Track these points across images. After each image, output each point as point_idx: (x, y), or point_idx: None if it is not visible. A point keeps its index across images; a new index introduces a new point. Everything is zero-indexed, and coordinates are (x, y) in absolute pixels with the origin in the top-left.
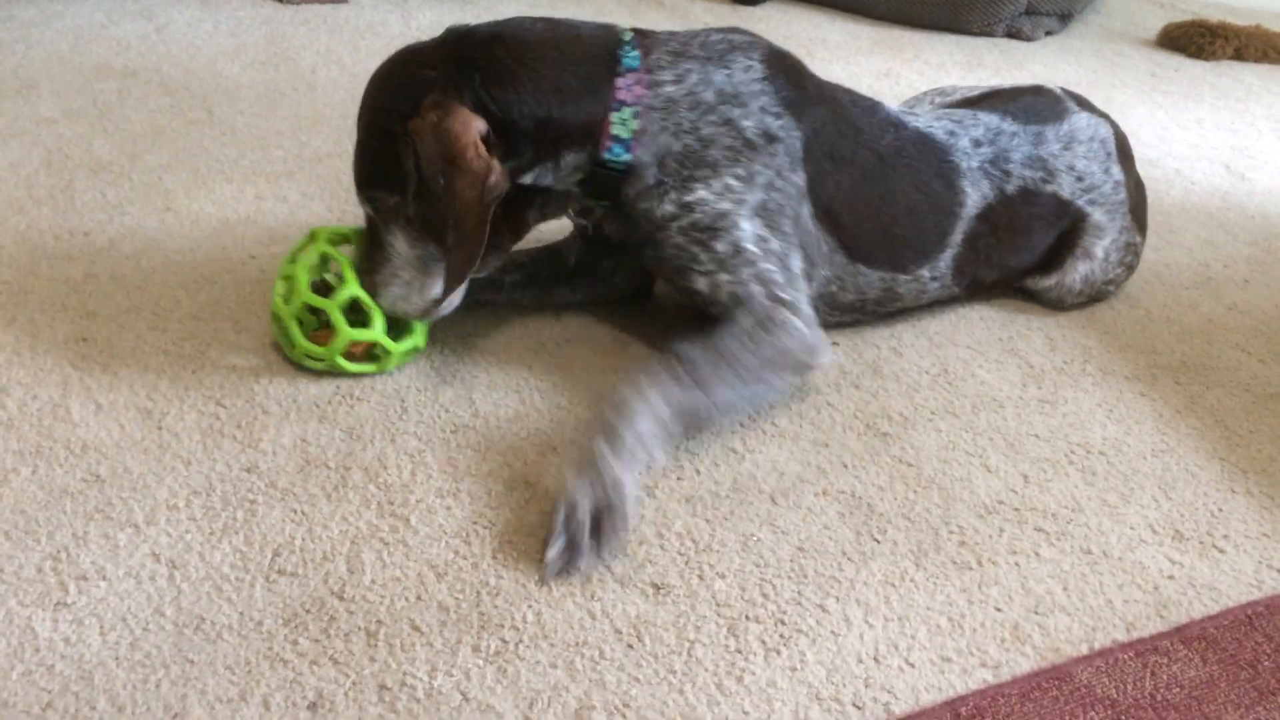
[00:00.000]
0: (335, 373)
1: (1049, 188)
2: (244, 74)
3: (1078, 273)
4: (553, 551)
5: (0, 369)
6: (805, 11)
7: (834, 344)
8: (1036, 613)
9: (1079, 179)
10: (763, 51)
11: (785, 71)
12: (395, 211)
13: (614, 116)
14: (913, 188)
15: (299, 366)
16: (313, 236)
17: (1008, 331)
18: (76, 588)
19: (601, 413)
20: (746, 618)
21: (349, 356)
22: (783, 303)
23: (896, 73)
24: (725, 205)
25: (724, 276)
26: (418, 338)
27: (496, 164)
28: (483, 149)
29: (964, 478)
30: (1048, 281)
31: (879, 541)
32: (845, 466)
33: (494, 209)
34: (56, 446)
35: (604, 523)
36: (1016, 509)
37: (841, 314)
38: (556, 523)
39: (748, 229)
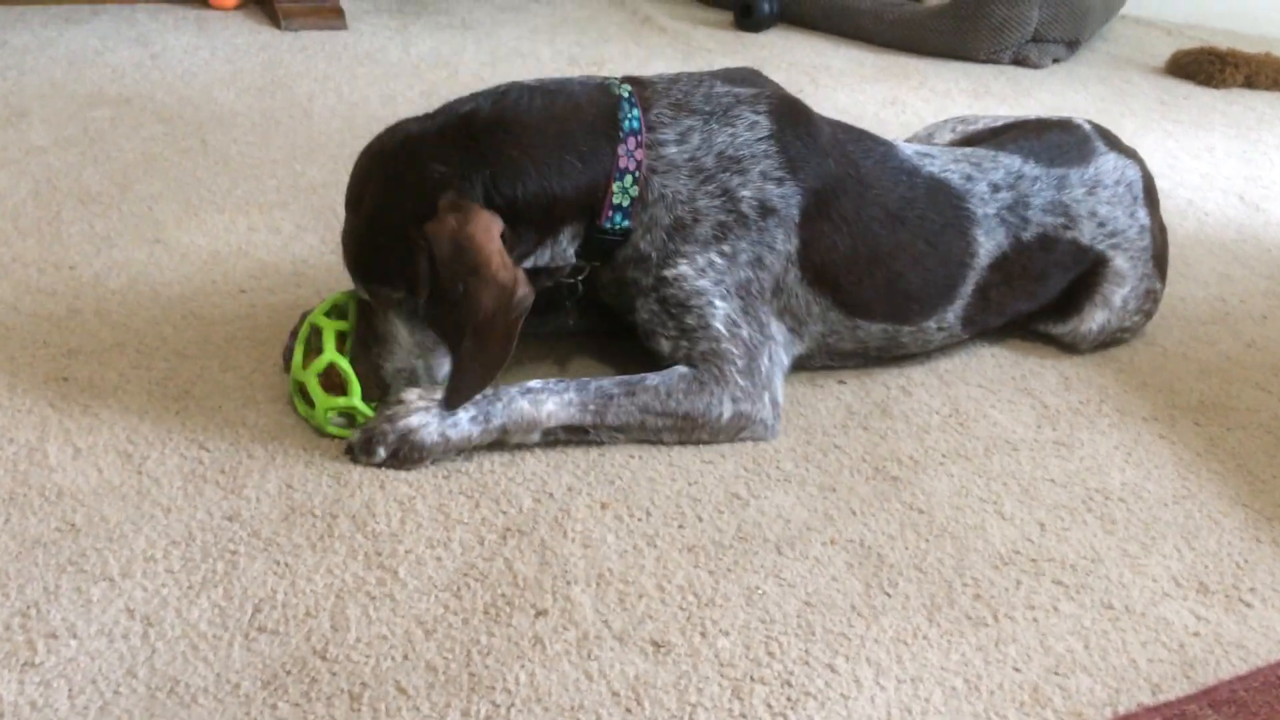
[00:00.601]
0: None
1: (1069, 234)
2: (239, 101)
3: (1095, 321)
4: (357, 435)
5: None
6: (809, 38)
7: (841, 382)
8: (1057, 673)
9: (1101, 224)
10: (770, 104)
11: (794, 125)
12: (398, 305)
13: (615, 186)
14: (922, 241)
15: (286, 408)
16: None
17: (1020, 370)
18: (46, 647)
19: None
20: (751, 679)
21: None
22: (724, 380)
23: (902, 100)
24: (704, 283)
25: (684, 343)
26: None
27: (521, 274)
28: (508, 258)
29: (977, 526)
30: (1063, 328)
31: (890, 595)
32: (854, 513)
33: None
34: (31, 493)
35: (402, 449)
36: (1033, 560)
37: (843, 360)
38: (379, 413)
39: (721, 309)
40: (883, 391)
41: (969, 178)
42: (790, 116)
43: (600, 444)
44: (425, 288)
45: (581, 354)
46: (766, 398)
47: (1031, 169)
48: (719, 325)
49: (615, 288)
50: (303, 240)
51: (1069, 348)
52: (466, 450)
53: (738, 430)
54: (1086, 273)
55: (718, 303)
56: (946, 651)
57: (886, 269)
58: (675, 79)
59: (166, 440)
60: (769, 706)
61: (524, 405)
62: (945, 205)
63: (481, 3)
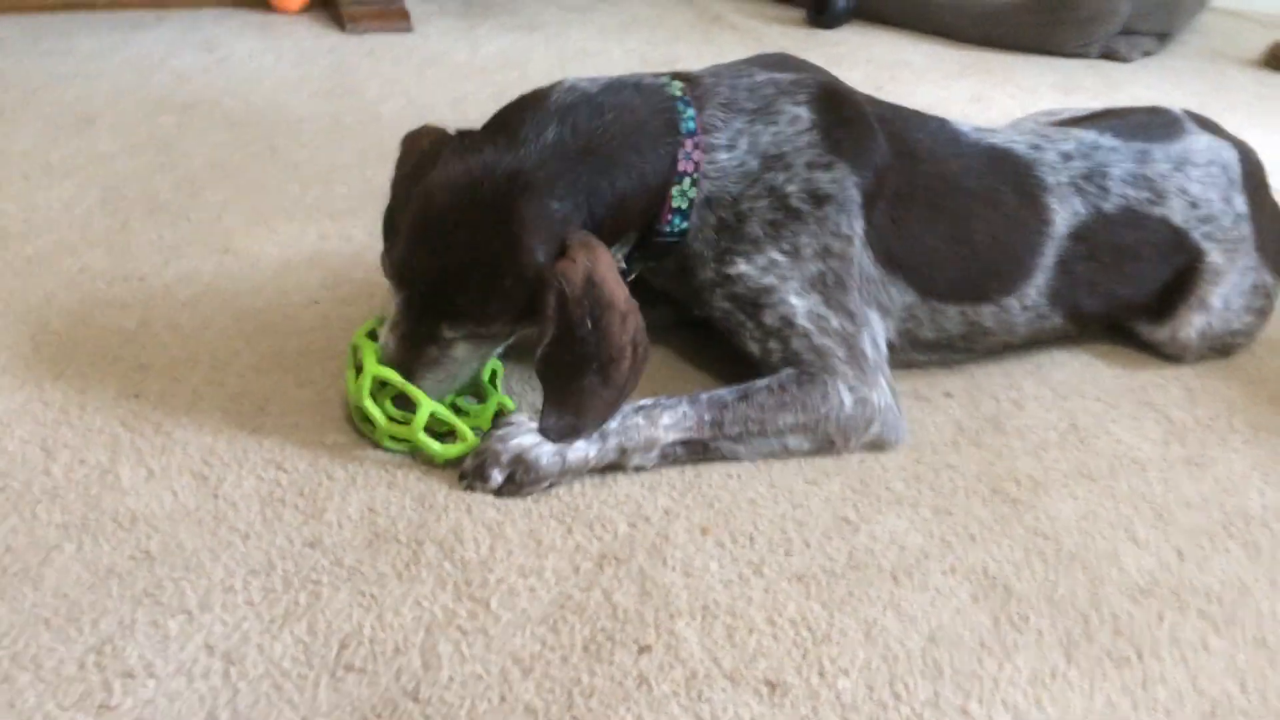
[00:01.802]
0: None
1: (1157, 210)
2: (307, 106)
3: (1193, 326)
4: (468, 461)
5: (47, 429)
6: (886, 34)
7: (948, 395)
8: (1214, 718)
9: (1193, 205)
10: (810, 92)
11: (835, 110)
12: (477, 339)
13: (675, 189)
14: (989, 208)
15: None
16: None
17: (1138, 381)
18: (121, 687)
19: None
20: None
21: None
22: (835, 371)
23: (987, 97)
24: (770, 280)
25: (774, 344)
26: (465, 444)
27: (635, 302)
28: (625, 289)
29: (1110, 553)
30: (1161, 333)
31: (1021, 630)
32: (973, 539)
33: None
34: (104, 518)
35: (518, 471)
36: (1174, 590)
37: (927, 352)
38: (489, 437)
39: (799, 305)
40: (993, 405)
41: (1035, 147)
42: (830, 101)
43: (721, 459)
44: (551, 327)
45: (659, 357)
46: (883, 381)
47: (1108, 141)
48: (803, 321)
49: (676, 284)
50: (375, 249)
51: (1174, 358)
52: (583, 473)
53: (867, 423)
54: (1182, 272)
55: (793, 300)
56: (1089, 694)
57: (955, 242)
58: (718, 73)
59: (243, 461)
60: None
61: (640, 422)
62: (1010, 173)
63: (548, 4)
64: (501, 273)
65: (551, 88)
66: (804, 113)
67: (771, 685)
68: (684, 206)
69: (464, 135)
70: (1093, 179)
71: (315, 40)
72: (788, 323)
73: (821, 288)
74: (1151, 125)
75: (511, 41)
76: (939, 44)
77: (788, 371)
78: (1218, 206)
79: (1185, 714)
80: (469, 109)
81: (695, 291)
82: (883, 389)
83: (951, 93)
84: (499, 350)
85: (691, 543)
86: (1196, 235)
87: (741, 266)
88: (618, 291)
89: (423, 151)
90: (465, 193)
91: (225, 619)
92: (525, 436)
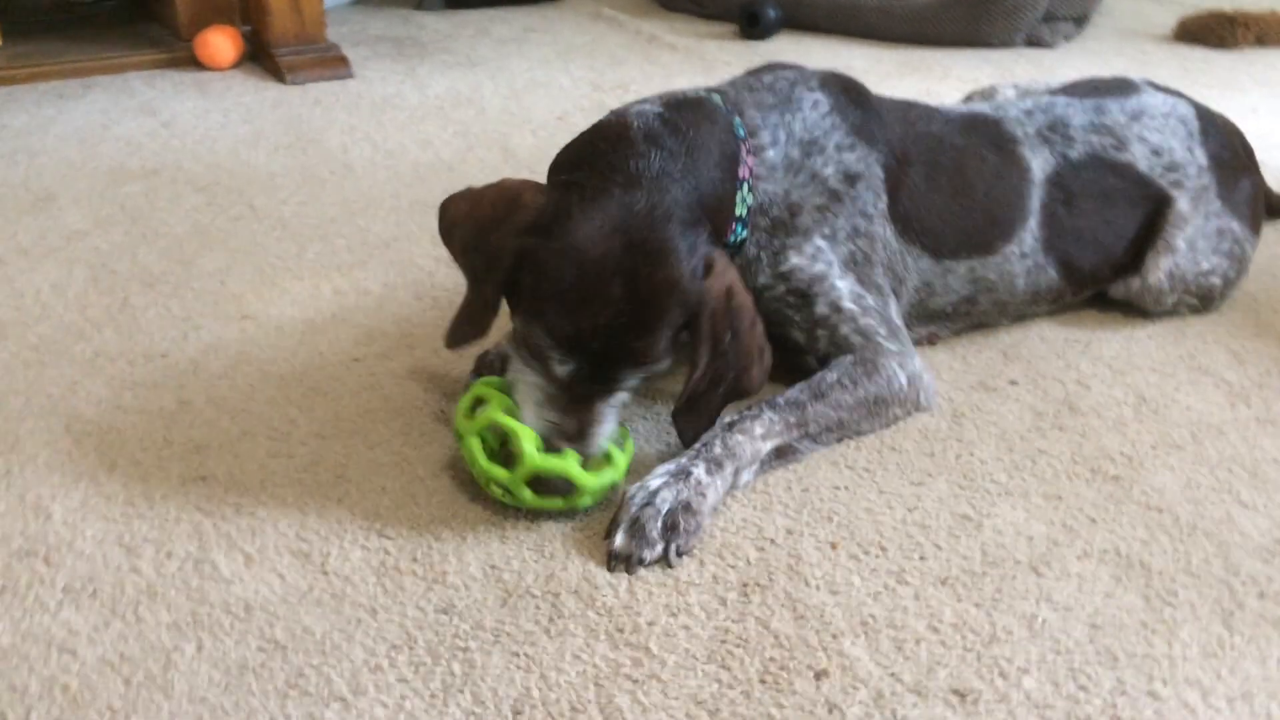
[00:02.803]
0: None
1: (1123, 156)
2: (272, 161)
3: (1161, 269)
4: (618, 538)
5: (120, 525)
6: (819, 41)
7: (1013, 383)
8: None
9: (1156, 153)
10: (818, 78)
11: (845, 92)
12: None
13: (737, 196)
14: (978, 162)
15: (453, 480)
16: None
17: (1183, 349)
18: None
19: (709, 433)
20: (1076, 718)
21: (535, 486)
22: (884, 351)
23: (935, 92)
24: (819, 268)
25: (821, 332)
26: (617, 470)
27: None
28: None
29: (1225, 518)
30: (1134, 283)
31: (1174, 606)
32: (1093, 521)
33: None
34: (216, 611)
35: (680, 519)
36: None
37: (931, 323)
38: (624, 513)
39: (844, 288)
40: (1059, 388)
41: (998, 109)
42: (839, 85)
43: (798, 457)
44: (708, 344)
45: None
46: (913, 350)
47: (1062, 99)
48: (849, 304)
49: None
50: (396, 299)
51: (1149, 309)
52: (718, 509)
53: (916, 395)
54: (1152, 218)
55: (839, 284)
56: (1262, 660)
57: (957, 196)
58: (734, 82)
59: (341, 532)
60: None
61: (740, 439)
62: (984, 131)
63: (479, 38)
64: (669, 306)
65: (620, 119)
66: (821, 97)
67: (960, 694)
68: (743, 214)
69: (572, 185)
70: (1056, 129)
71: (257, 94)
72: (835, 308)
73: (854, 267)
74: (1106, 86)
75: (457, 79)
76: (871, 46)
77: (846, 361)
78: (1180, 155)
79: None
80: (441, 150)
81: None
82: (916, 359)
83: (902, 90)
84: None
85: (826, 559)
86: (1163, 182)
87: (793, 260)
88: (748, 299)
89: (503, 215)
90: (617, 239)
91: (384, 700)
92: (662, 490)
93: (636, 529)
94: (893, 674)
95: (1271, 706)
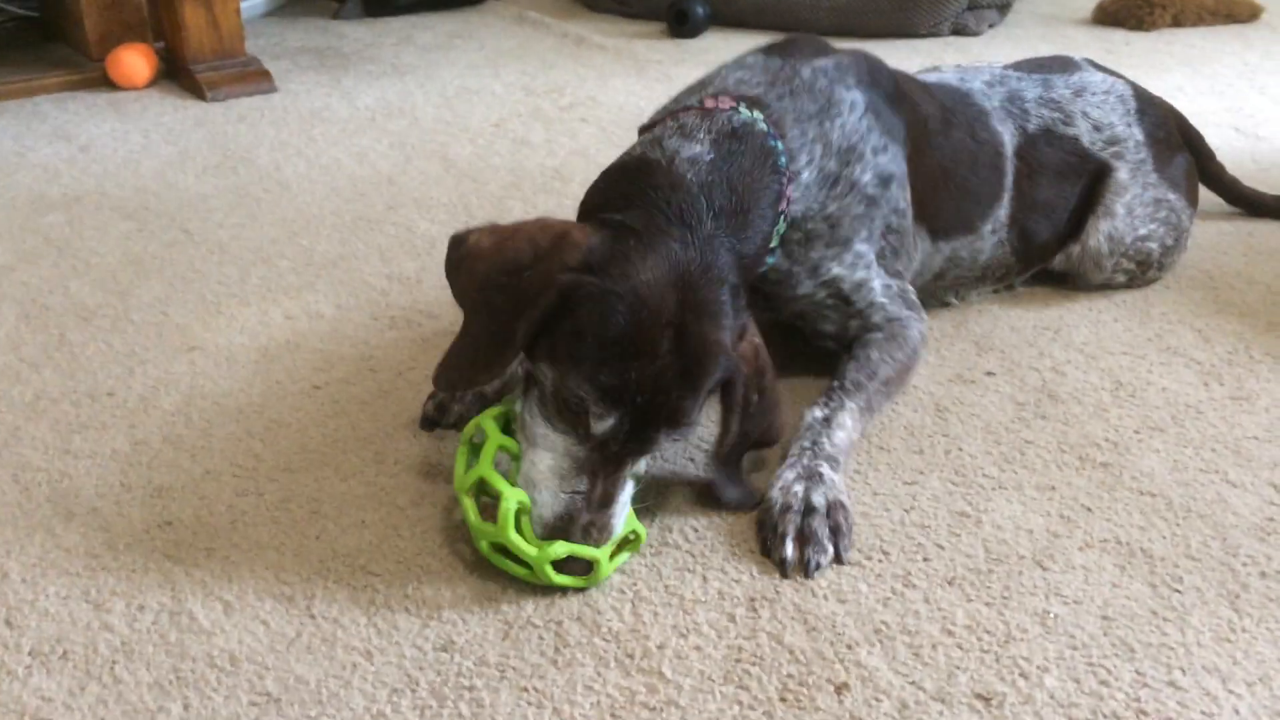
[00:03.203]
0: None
1: (1070, 131)
2: (202, 182)
3: (1100, 233)
4: (788, 549)
5: (84, 579)
6: (748, 37)
7: (989, 374)
8: None
9: (1097, 128)
10: (855, 74)
11: (877, 87)
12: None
13: (774, 230)
14: (968, 139)
15: (433, 510)
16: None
17: (1150, 330)
18: None
19: (806, 431)
20: (1103, 715)
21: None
22: (906, 322)
23: None
24: (860, 274)
25: (855, 323)
26: (635, 546)
27: None
28: None
29: (1217, 499)
30: (1074, 250)
31: (1181, 592)
32: (1089, 510)
33: None
34: (199, 666)
35: (840, 520)
36: None
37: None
38: (786, 522)
39: (878, 284)
40: (1036, 376)
41: (963, 79)
42: (871, 79)
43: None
44: (739, 408)
45: None
46: (921, 310)
47: (1014, 74)
48: (881, 298)
49: (762, 301)
50: (352, 321)
51: (1089, 277)
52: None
53: (924, 346)
54: (1093, 187)
55: (875, 283)
56: (1274, 642)
57: (952, 178)
58: (771, 82)
59: (324, 572)
60: None
61: (840, 436)
62: (967, 106)
63: (403, 45)
64: (714, 367)
65: (666, 160)
66: (857, 97)
67: (984, 698)
68: (776, 245)
69: (625, 229)
70: (1014, 102)
71: (177, 113)
72: (871, 304)
73: (884, 260)
74: (1049, 64)
75: (385, 88)
76: None
77: (879, 338)
78: (1120, 130)
79: None
80: (378, 162)
81: (784, 303)
82: (924, 315)
83: None
84: None
85: (830, 567)
86: (1106, 155)
87: (835, 269)
88: (768, 356)
89: (545, 250)
90: (673, 292)
91: None
92: (813, 495)
93: (807, 535)
94: (913, 682)
95: None
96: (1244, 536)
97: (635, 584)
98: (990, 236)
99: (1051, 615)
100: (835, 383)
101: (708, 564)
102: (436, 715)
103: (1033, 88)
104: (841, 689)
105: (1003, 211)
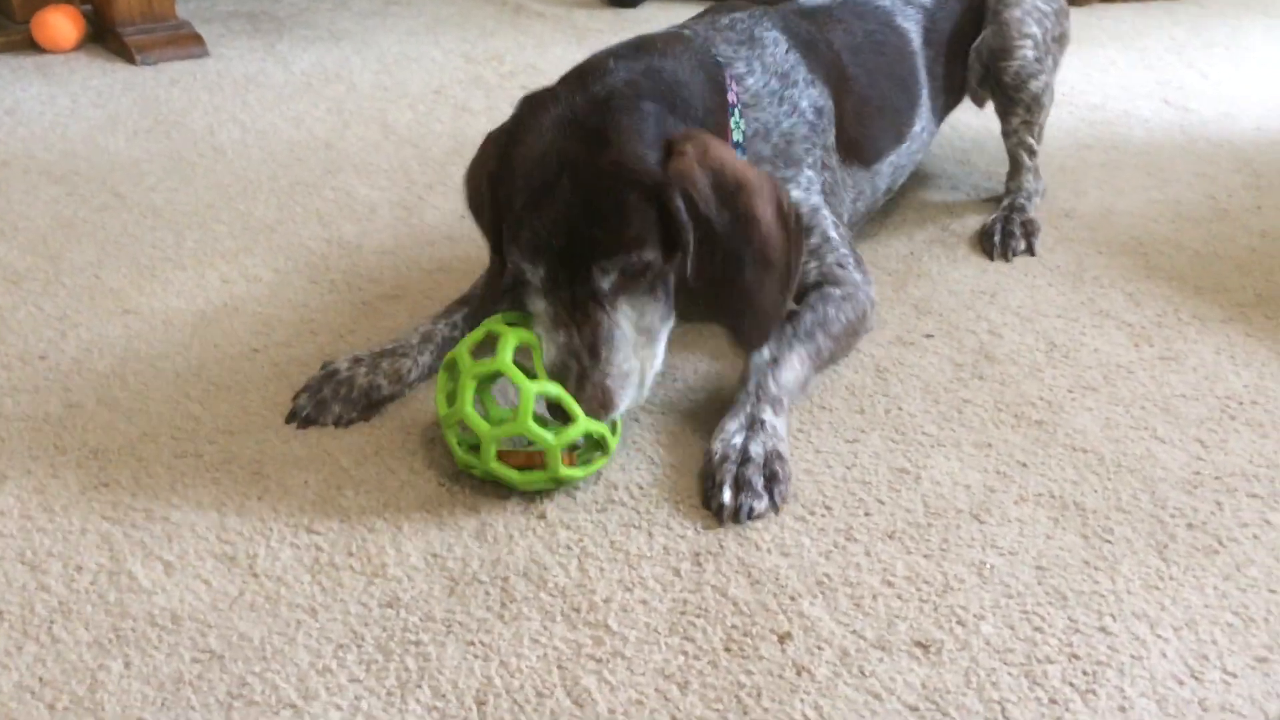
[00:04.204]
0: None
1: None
2: (134, 147)
3: (999, 20)
4: (725, 494)
5: (20, 540)
6: (686, 8)
7: (928, 336)
8: None
9: None
10: (770, 19)
11: (793, 27)
12: (637, 280)
13: (731, 121)
14: (878, 53)
15: (380, 468)
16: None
17: (1082, 294)
18: None
19: (754, 373)
20: (1036, 660)
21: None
22: (858, 282)
23: None
24: (814, 199)
25: (813, 263)
26: (606, 454)
27: (767, 174)
28: (751, 166)
29: (1146, 454)
30: (985, 34)
31: (1111, 542)
32: (1024, 465)
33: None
34: (140, 625)
35: (776, 468)
36: (1217, 477)
37: (860, 224)
38: (724, 472)
39: (828, 218)
40: (973, 339)
41: None
42: (785, 24)
43: None
44: (688, 237)
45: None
46: (871, 277)
47: None
48: (833, 233)
49: None
50: (290, 285)
51: (1007, 46)
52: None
53: (872, 320)
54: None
55: (825, 213)
56: (1200, 588)
57: (873, 100)
58: (702, 22)
59: (266, 531)
60: (1072, 685)
61: (787, 376)
62: (869, 15)
63: (339, 11)
64: (623, 189)
65: (592, 56)
66: (779, 35)
67: (923, 645)
68: (740, 140)
69: (526, 103)
70: None
71: (106, 76)
72: (825, 238)
73: (828, 197)
74: None
75: (322, 54)
76: None
77: (835, 294)
78: None
79: None
80: (315, 128)
81: None
82: (873, 282)
83: None
84: (667, 322)
85: (774, 523)
86: None
87: (794, 193)
88: (744, 170)
89: (479, 160)
90: (560, 132)
91: (338, 703)
92: (751, 444)
93: (741, 483)
94: (854, 631)
95: (1214, 632)
96: (1172, 490)
97: (581, 540)
98: (922, 134)
99: (988, 566)
100: (788, 329)
101: (653, 520)
102: (383, 669)
103: None
104: (784, 638)
105: (924, 107)
